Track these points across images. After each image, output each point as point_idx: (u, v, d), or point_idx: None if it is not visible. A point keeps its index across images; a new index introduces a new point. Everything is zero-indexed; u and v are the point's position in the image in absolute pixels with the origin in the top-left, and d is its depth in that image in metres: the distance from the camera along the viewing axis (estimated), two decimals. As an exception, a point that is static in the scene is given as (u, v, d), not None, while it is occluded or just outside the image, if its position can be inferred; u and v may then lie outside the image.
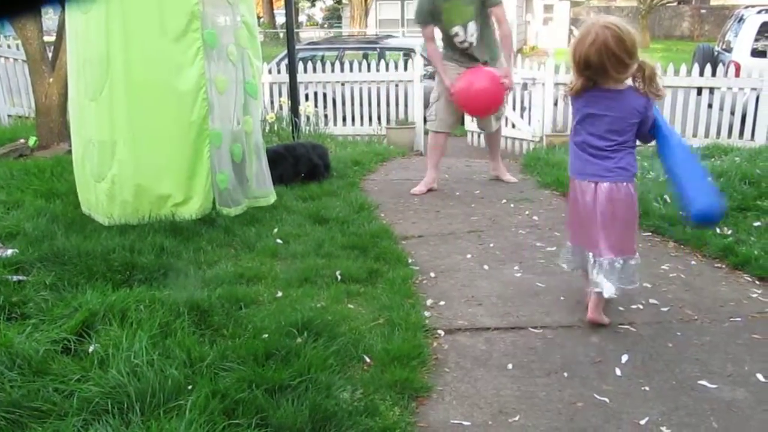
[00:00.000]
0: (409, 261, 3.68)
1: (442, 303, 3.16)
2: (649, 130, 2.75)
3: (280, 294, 3.12)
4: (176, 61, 3.85)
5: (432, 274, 3.53)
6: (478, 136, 6.59)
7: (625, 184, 2.77)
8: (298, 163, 5.31)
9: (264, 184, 4.50)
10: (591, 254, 2.86)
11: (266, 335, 2.59)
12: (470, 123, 7.99)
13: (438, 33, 5.21)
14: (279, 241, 3.86)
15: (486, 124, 5.47)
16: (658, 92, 2.69)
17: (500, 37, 5.20)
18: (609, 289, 2.78)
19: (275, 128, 7.29)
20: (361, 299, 3.13)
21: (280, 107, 8.01)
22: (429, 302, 3.16)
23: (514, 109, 7.91)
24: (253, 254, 3.69)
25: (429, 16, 5.08)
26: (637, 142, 2.82)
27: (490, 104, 5.12)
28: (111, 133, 3.92)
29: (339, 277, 3.32)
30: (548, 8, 29.17)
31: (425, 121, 5.59)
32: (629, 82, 2.70)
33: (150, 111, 3.88)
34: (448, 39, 5.13)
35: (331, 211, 4.45)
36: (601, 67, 2.60)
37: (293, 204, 4.63)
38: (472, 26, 5.03)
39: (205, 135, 3.94)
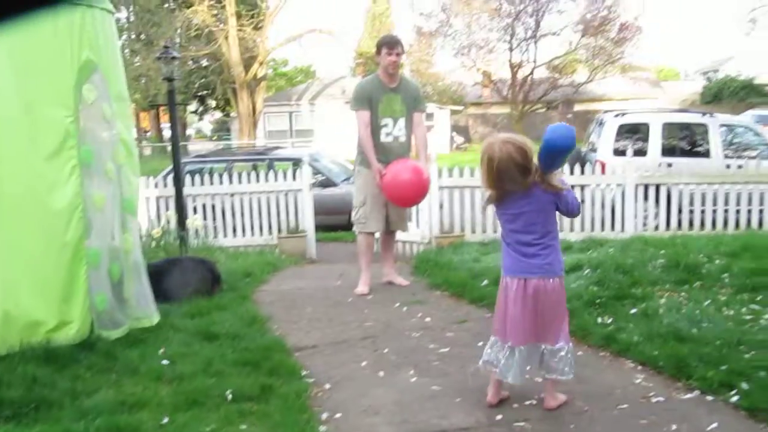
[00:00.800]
0: (303, 373, 3.58)
1: (338, 416, 3.07)
2: (567, 205, 3.01)
3: (166, 420, 2.93)
4: (50, 179, 3.71)
5: (327, 386, 3.44)
6: (376, 241, 6.71)
7: (551, 279, 3.00)
8: (185, 277, 5.15)
9: (146, 304, 4.30)
10: (512, 346, 3.01)
11: (149, 468, 2.40)
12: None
13: None
14: (165, 362, 3.66)
15: (401, 224, 5.68)
16: (555, 188, 2.95)
17: (418, 138, 5.45)
18: (517, 378, 3.01)
19: (162, 243, 7.08)
20: (253, 418, 2.99)
21: (168, 221, 7.82)
22: (324, 416, 3.06)
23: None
24: (136, 378, 3.47)
25: (366, 103, 5.27)
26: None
27: (418, 194, 5.30)
28: (-24, 258, 3.67)
29: (230, 397, 3.17)
30: (429, 116, 30.81)
31: (352, 224, 5.65)
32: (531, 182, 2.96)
33: (21, 232, 3.69)
34: (375, 130, 5.29)
35: (221, 326, 4.30)
36: (509, 177, 2.89)
37: (180, 321, 4.43)
38: (401, 122, 5.33)
39: (82, 255, 3.76)
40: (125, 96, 4.36)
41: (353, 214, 5.57)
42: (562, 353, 3.01)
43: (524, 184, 2.93)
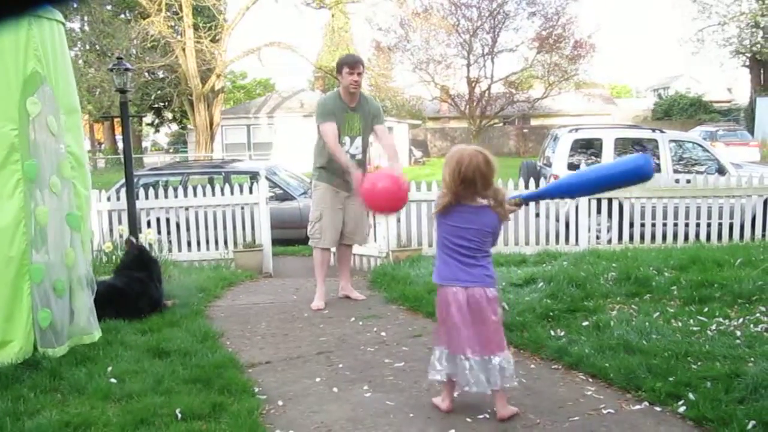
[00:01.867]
0: (256, 390, 3.52)
1: (290, 433, 3.03)
2: (497, 234, 3.16)
3: (111, 441, 2.85)
4: (-7, 193, 3.60)
5: (280, 402, 3.39)
6: (333, 255, 6.68)
7: (491, 289, 3.09)
8: (138, 300, 5.01)
9: (88, 320, 4.18)
10: (462, 356, 3.04)
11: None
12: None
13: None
14: (113, 380, 3.57)
15: (358, 237, 5.64)
16: (505, 215, 3.09)
17: (387, 148, 5.43)
18: (481, 386, 3.01)
19: (113, 258, 6.92)
20: (203, 437, 2.93)
21: (120, 235, 7.66)
22: (276, 434, 3.01)
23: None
24: (83, 398, 3.37)
25: (332, 116, 5.27)
26: None
27: (397, 200, 5.17)
28: None
29: (179, 416, 3.10)
30: (388, 130, 30.91)
31: (308, 239, 5.64)
32: (484, 202, 3.05)
33: (-38, 248, 3.56)
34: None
35: (173, 342, 4.21)
36: (472, 184, 2.97)
37: (130, 338, 4.33)
38: (358, 141, 5.37)
39: (25, 271, 3.65)
40: (76, 108, 4.27)
41: (309, 228, 5.55)
42: (511, 360, 3.09)
43: (479, 195, 3.00)
